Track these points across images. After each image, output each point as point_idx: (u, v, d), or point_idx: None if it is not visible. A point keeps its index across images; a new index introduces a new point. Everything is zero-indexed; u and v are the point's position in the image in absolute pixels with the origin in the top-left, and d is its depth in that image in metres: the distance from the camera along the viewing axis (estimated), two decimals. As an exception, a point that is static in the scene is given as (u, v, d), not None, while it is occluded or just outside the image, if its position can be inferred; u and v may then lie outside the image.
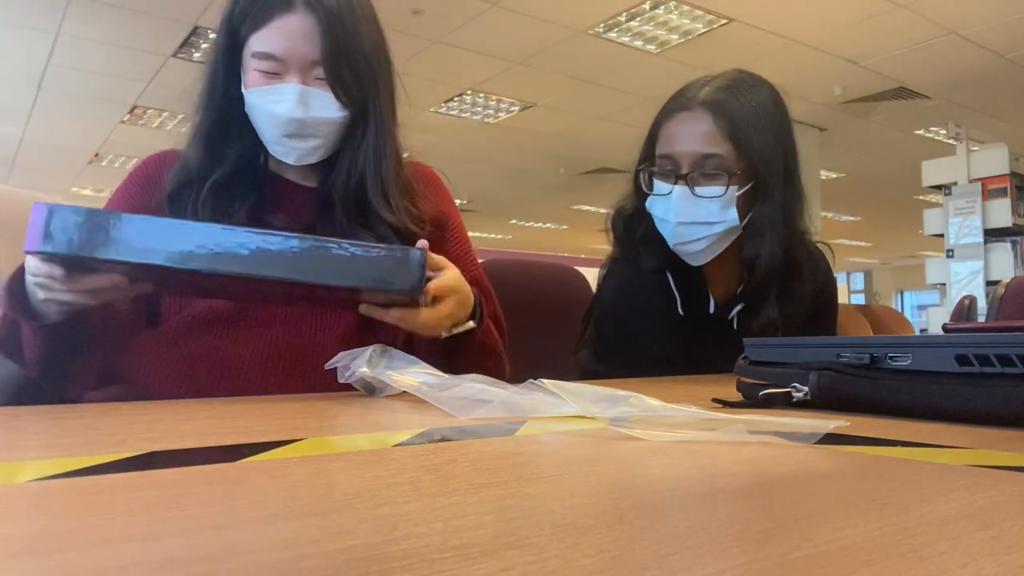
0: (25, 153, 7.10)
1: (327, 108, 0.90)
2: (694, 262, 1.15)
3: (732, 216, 1.09)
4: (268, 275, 0.67)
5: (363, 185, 0.94)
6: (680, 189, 1.09)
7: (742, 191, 1.09)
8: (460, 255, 1.06)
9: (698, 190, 1.08)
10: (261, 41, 0.89)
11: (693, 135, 1.10)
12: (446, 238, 1.05)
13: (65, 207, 0.65)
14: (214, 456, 0.38)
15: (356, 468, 0.34)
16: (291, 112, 0.88)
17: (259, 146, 0.94)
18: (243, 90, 0.91)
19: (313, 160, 0.93)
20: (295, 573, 0.19)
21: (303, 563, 0.20)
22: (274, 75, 0.89)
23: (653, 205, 1.14)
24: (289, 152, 0.92)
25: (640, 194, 1.18)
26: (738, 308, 1.18)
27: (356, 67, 0.92)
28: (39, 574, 0.19)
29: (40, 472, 0.32)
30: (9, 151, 7.02)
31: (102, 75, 5.19)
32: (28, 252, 0.66)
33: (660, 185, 1.12)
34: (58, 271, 0.69)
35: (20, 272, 0.76)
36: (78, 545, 0.22)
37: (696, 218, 1.09)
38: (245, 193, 0.92)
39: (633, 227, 1.21)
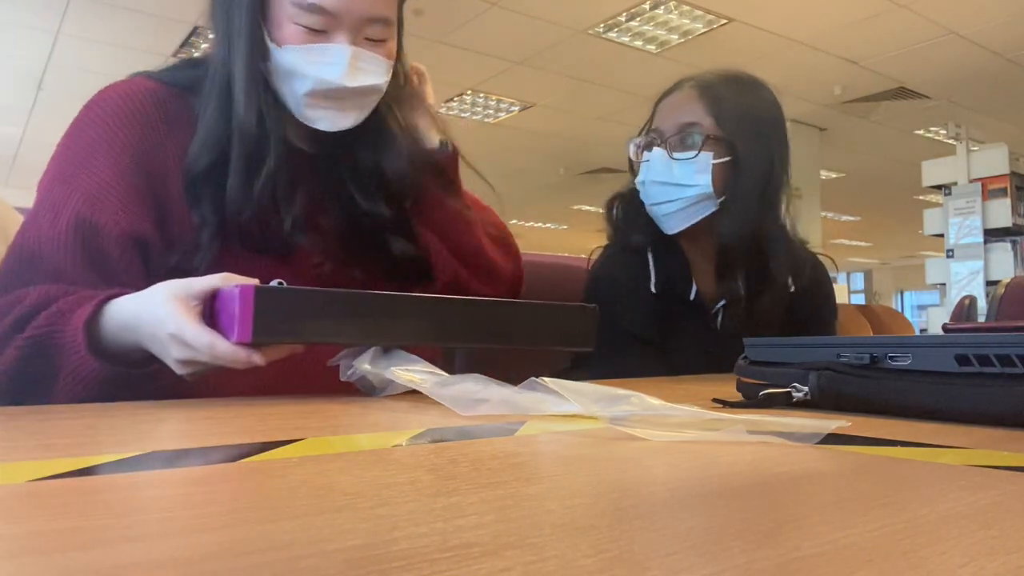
0: (25, 153, 7.10)
1: (376, 73, 0.83)
2: (668, 227, 1.19)
3: (705, 181, 1.15)
4: (466, 344, 0.67)
5: (391, 159, 0.91)
6: (659, 151, 1.17)
7: (719, 161, 1.15)
8: None
9: (675, 153, 1.16)
10: None
11: (679, 108, 1.20)
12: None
13: (268, 289, 0.62)
14: (214, 456, 0.38)
15: (356, 468, 0.34)
16: (340, 79, 0.80)
17: (275, 107, 0.83)
18: (272, 45, 0.80)
19: (346, 127, 0.85)
20: (295, 573, 0.19)
21: (303, 563, 0.20)
22: (320, 32, 0.79)
23: (640, 174, 1.21)
24: (324, 115, 0.83)
25: (635, 173, 1.24)
26: (722, 303, 1.21)
27: (401, 26, 0.87)
28: (39, 574, 0.19)
29: (40, 472, 0.32)
30: (9, 151, 7.02)
31: (102, 75, 5.15)
32: (239, 343, 0.61)
33: (645, 154, 1.21)
34: (258, 357, 0.63)
35: (94, 315, 0.66)
36: (78, 545, 0.22)
37: (670, 179, 1.16)
38: (262, 163, 0.82)
39: (623, 207, 1.28)
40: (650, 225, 1.21)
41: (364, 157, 0.91)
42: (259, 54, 0.81)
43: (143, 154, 0.80)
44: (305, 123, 0.84)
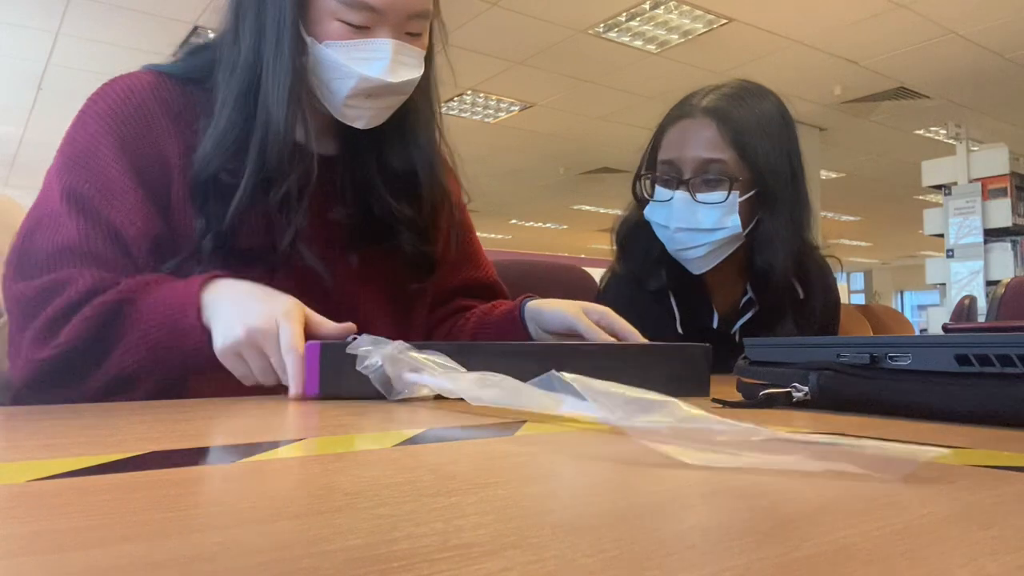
0: (25, 153, 7.10)
1: (414, 66, 0.82)
2: (695, 269, 1.13)
3: (734, 223, 1.07)
4: None
5: (417, 161, 0.90)
6: (681, 195, 1.08)
7: (744, 198, 1.08)
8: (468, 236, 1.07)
9: (699, 196, 1.08)
10: None
11: (695, 141, 1.09)
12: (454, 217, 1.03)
13: (335, 346, 0.64)
14: (214, 456, 0.38)
15: (356, 468, 0.34)
16: (383, 76, 0.79)
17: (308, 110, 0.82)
18: (310, 40, 0.79)
19: (379, 122, 0.84)
20: (295, 573, 0.19)
21: (303, 563, 0.20)
22: (362, 29, 0.78)
23: (653, 212, 1.13)
24: (363, 114, 0.82)
25: (642, 203, 1.17)
26: (741, 322, 1.17)
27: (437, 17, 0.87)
28: (39, 574, 0.19)
29: (40, 472, 0.32)
30: (9, 151, 7.02)
31: (102, 75, 5.16)
32: (309, 397, 0.65)
33: (661, 191, 1.12)
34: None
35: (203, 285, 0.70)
36: (78, 545, 0.22)
37: (696, 224, 1.08)
38: (284, 170, 0.81)
39: (636, 240, 1.20)
40: (669, 261, 1.15)
41: (389, 155, 0.91)
42: (300, 50, 0.80)
43: (145, 155, 0.80)
44: (342, 121, 0.84)
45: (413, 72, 0.82)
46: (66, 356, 0.70)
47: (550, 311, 0.89)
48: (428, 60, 0.89)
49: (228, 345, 0.68)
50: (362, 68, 0.78)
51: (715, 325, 1.17)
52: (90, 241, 0.76)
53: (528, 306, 0.93)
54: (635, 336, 0.85)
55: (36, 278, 0.74)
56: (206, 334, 0.70)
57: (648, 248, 1.17)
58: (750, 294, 1.18)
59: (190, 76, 0.84)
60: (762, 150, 1.08)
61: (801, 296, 1.18)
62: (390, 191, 0.90)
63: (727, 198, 1.07)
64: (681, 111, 1.14)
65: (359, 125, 0.84)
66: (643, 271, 1.18)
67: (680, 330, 1.15)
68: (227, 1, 0.84)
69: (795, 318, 1.17)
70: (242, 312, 0.69)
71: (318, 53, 0.79)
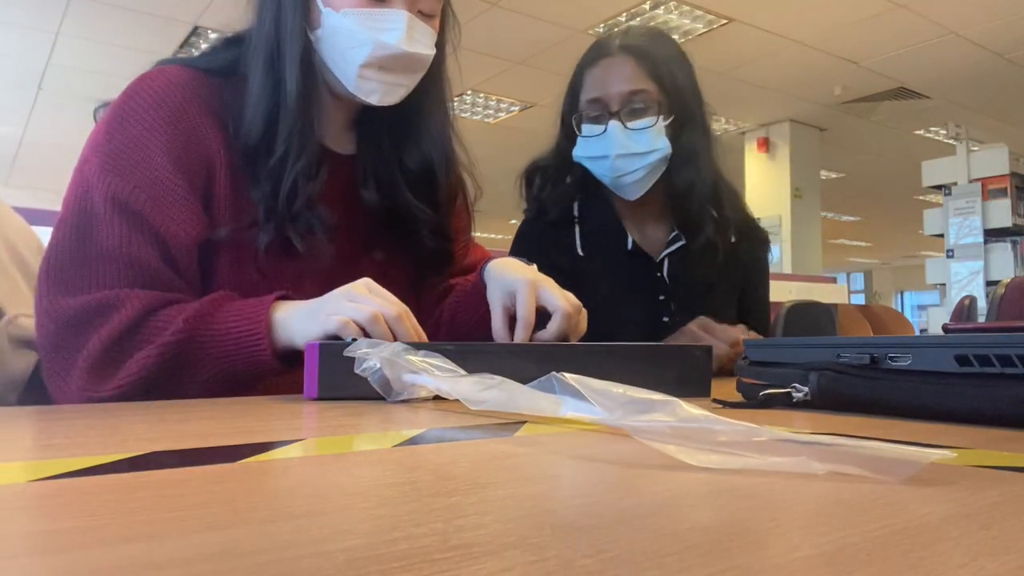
0: (25, 153, 7.10)
1: (428, 45, 0.84)
2: (631, 195, 1.22)
3: (664, 144, 1.18)
4: None
5: (433, 157, 0.92)
6: (614, 124, 1.18)
7: (667, 123, 1.19)
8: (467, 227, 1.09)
9: (630, 124, 1.18)
10: None
11: (618, 76, 1.19)
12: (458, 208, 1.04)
13: (332, 348, 0.64)
14: (214, 456, 0.38)
15: (356, 468, 0.34)
16: (400, 44, 0.80)
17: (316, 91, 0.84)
18: (326, 10, 0.81)
19: (393, 101, 0.85)
20: (295, 573, 0.19)
21: (303, 563, 0.20)
22: (378, 0, 0.81)
23: (587, 147, 1.21)
24: (376, 88, 0.83)
25: (561, 147, 1.26)
26: (668, 251, 1.25)
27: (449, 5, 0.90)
28: (39, 574, 0.19)
29: (40, 472, 0.32)
30: (9, 151, 7.02)
31: (102, 75, 5.19)
32: (308, 398, 0.65)
33: (591, 127, 1.20)
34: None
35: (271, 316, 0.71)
36: (78, 545, 0.22)
37: (632, 149, 1.17)
38: (300, 156, 0.82)
39: (546, 176, 1.30)
40: (572, 189, 1.26)
41: (406, 151, 0.92)
42: (310, 21, 0.82)
43: (191, 154, 0.79)
44: (356, 95, 0.84)
45: (426, 49, 0.84)
46: (126, 395, 0.70)
47: (500, 279, 0.88)
48: (440, 52, 0.91)
49: (336, 324, 0.69)
50: (378, 35, 0.80)
51: (629, 247, 1.25)
52: (132, 248, 0.74)
53: (487, 276, 0.92)
54: (560, 300, 0.84)
55: (76, 293, 0.72)
56: (275, 356, 0.72)
57: (556, 183, 1.28)
58: (676, 231, 1.26)
59: (217, 69, 0.85)
60: (677, 78, 1.21)
61: (720, 210, 1.26)
62: (410, 188, 0.92)
63: (656, 122, 1.18)
64: (599, 52, 1.23)
65: (373, 100, 0.84)
66: (549, 202, 1.28)
67: (581, 252, 1.25)
68: None
69: (716, 245, 1.24)
70: (323, 308, 0.71)
71: (334, 22, 0.81)
